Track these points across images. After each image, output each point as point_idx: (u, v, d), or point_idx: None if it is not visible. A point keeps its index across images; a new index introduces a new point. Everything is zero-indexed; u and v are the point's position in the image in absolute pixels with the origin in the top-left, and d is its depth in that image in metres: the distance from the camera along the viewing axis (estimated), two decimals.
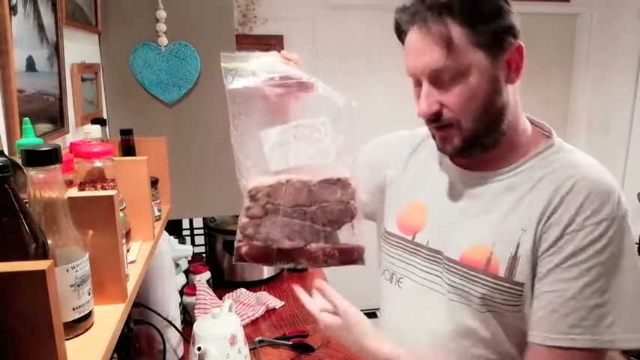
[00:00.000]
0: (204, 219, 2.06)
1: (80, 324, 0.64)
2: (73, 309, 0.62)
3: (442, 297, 0.85)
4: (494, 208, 0.81)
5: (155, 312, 1.29)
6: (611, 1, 3.14)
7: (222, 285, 1.88)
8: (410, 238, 0.92)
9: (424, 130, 0.92)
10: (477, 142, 0.81)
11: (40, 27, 1.02)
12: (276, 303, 1.79)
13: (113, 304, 0.72)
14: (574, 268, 0.73)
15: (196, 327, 1.31)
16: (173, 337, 1.39)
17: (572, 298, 0.73)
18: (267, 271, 1.97)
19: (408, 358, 0.84)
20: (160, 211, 1.14)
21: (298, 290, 0.94)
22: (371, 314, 1.09)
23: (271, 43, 2.88)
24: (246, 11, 2.88)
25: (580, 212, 0.73)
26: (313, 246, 0.79)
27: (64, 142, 1.12)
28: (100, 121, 1.20)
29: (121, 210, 0.78)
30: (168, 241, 1.54)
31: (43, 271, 0.44)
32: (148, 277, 1.25)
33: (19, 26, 0.91)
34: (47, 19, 1.04)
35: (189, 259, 1.88)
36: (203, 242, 2.11)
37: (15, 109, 0.87)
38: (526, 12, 1.96)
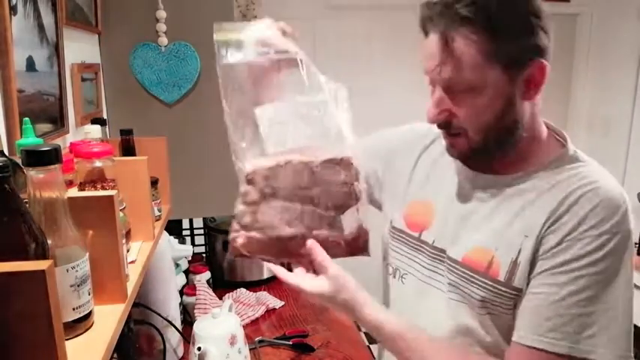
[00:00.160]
0: (204, 219, 2.06)
1: (80, 324, 0.64)
2: (73, 309, 0.62)
3: (443, 295, 0.86)
4: (500, 212, 0.81)
5: (155, 312, 1.29)
6: (611, 1, 3.14)
7: (222, 285, 1.88)
8: (416, 235, 0.91)
9: None
10: (485, 152, 0.80)
11: (40, 27, 1.02)
12: (276, 303, 1.79)
13: (113, 304, 0.72)
14: (564, 274, 0.72)
15: (196, 327, 1.31)
16: (173, 337, 1.39)
17: (556, 302, 0.72)
18: (267, 271, 1.96)
19: (408, 336, 0.81)
20: (160, 211, 1.14)
21: (274, 268, 0.82)
22: None
23: None
24: (246, 11, 2.88)
25: (583, 222, 0.73)
26: (315, 233, 0.75)
27: (64, 142, 1.12)
28: (100, 121, 1.20)
29: (121, 210, 0.78)
30: (168, 241, 1.54)
31: (43, 271, 0.44)
32: (148, 277, 1.25)
33: (19, 26, 0.91)
34: (47, 19, 1.04)
35: (189, 259, 1.88)
36: (203, 242, 2.11)
37: (15, 109, 0.87)
38: None
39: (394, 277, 0.96)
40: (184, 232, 2.08)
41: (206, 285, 1.70)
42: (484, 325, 0.81)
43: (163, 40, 1.54)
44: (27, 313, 0.45)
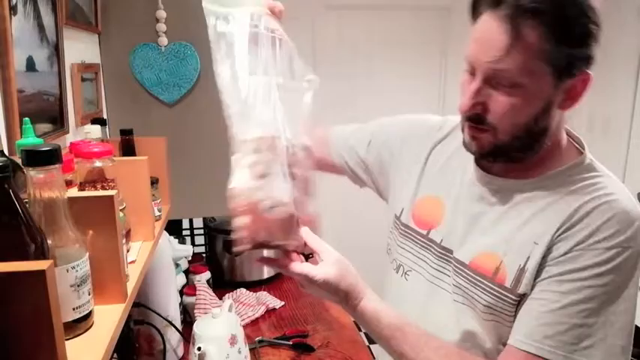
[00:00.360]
0: (204, 219, 2.06)
1: (80, 324, 0.64)
2: (73, 309, 0.62)
3: (448, 296, 0.85)
4: (510, 217, 0.79)
5: (155, 312, 1.29)
6: (611, 1, 3.14)
7: (222, 285, 1.88)
8: (424, 232, 0.90)
9: (455, 120, 0.88)
10: (505, 154, 0.78)
11: (40, 27, 1.02)
12: (276, 303, 1.79)
13: (113, 304, 0.72)
14: (568, 283, 0.72)
15: (196, 327, 1.30)
16: (173, 337, 1.39)
17: (556, 310, 0.71)
18: (267, 271, 1.97)
19: (407, 329, 0.79)
20: (160, 211, 1.14)
21: (277, 262, 0.79)
22: None
23: None
24: None
25: (594, 234, 0.71)
26: (301, 215, 0.73)
27: (64, 142, 1.12)
28: (100, 121, 1.20)
29: (121, 210, 0.78)
30: (168, 241, 1.54)
31: (43, 271, 0.44)
32: (148, 277, 1.25)
33: (19, 26, 0.91)
34: (47, 19, 1.04)
35: (189, 259, 1.88)
36: (203, 242, 2.11)
37: (15, 109, 0.87)
38: None
39: (397, 272, 0.95)
40: (184, 232, 2.08)
41: (206, 285, 1.70)
42: (486, 330, 0.80)
43: (163, 40, 1.54)
44: (27, 313, 0.45)
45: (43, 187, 0.57)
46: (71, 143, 0.92)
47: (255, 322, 1.69)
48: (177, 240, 1.83)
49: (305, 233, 0.77)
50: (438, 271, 0.87)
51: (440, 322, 0.84)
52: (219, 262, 1.95)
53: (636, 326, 0.77)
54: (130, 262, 0.86)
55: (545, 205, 0.77)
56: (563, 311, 0.71)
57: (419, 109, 1.06)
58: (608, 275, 0.70)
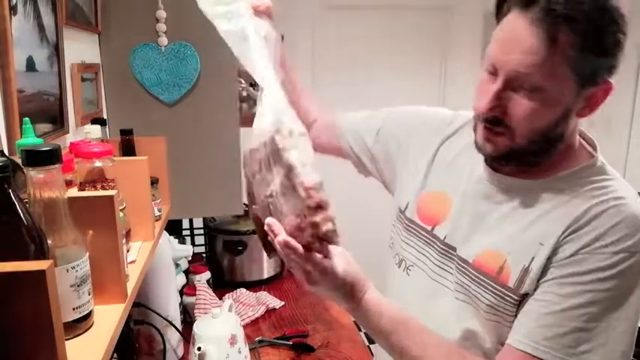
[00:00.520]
0: (204, 219, 2.06)
1: (80, 324, 0.64)
2: (73, 309, 0.62)
3: (450, 293, 0.84)
4: (517, 216, 0.79)
5: (155, 312, 1.29)
6: None
7: (222, 285, 1.88)
8: (429, 228, 0.89)
9: (466, 115, 0.87)
10: (520, 157, 0.77)
11: (40, 27, 1.02)
12: (276, 303, 1.79)
13: (113, 304, 0.72)
14: (570, 286, 0.71)
15: (196, 327, 1.31)
16: (173, 337, 1.39)
17: (557, 312, 0.71)
18: (267, 271, 1.97)
19: (410, 324, 0.78)
20: (160, 211, 1.14)
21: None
22: None
23: None
24: None
25: (601, 238, 0.70)
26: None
27: (64, 142, 1.12)
28: (100, 121, 1.20)
29: (121, 210, 0.78)
30: (168, 241, 1.54)
31: (43, 271, 0.44)
32: (148, 277, 1.25)
33: (19, 26, 0.91)
34: (47, 19, 1.04)
35: (189, 259, 1.88)
36: (203, 242, 2.11)
37: (15, 109, 0.87)
38: None
39: (399, 267, 0.94)
40: (184, 232, 2.08)
41: (206, 285, 1.70)
42: (486, 329, 0.80)
43: (163, 40, 1.54)
44: (27, 313, 0.45)
45: (43, 187, 0.57)
46: (71, 143, 0.92)
47: (255, 322, 1.69)
48: (177, 240, 1.83)
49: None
50: (441, 268, 0.87)
51: (440, 319, 0.84)
52: (219, 262, 1.96)
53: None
54: (130, 262, 0.86)
55: (553, 206, 0.76)
56: (563, 314, 0.70)
57: None
58: (612, 280, 0.69)
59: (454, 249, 0.85)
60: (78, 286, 0.62)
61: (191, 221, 2.12)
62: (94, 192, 0.78)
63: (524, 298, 0.75)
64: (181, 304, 1.59)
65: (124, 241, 0.77)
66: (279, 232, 0.71)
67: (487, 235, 0.81)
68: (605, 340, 0.70)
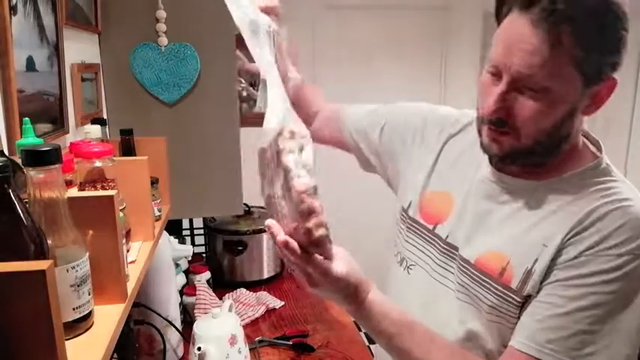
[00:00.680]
0: (204, 219, 2.06)
1: (80, 324, 0.64)
2: (73, 309, 0.62)
3: (452, 293, 0.84)
4: (520, 217, 0.78)
5: (155, 312, 1.29)
6: None
7: (222, 285, 1.88)
8: (430, 227, 0.89)
9: (471, 114, 0.87)
10: (525, 157, 0.77)
11: (40, 27, 1.02)
12: (276, 303, 1.79)
13: (113, 304, 0.72)
14: (575, 288, 0.71)
15: (196, 327, 1.31)
16: (173, 337, 1.39)
17: (561, 315, 0.70)
18: (267, 271, 1.97)
19: (416, 327, 0.77)
20: (160, 211, 1.14)
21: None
22: None
23: None
24: None
25: (605, 240, 0.70)
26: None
27: (64, 142, 1.12)
28: (100, 121, 1.20)
29: (121, 210, 0.78)
30: (168, 241, 1.54)
31: (43, 271, 0.44)
32: (148, 277, 1.25)
33: (19, 26, 0.91)
34: (47, 19, 1.04)
35: (189, 259, 1.88)
36: (203, 242, 2.11)
37: (15, 109, 0.87)
38: None
39: (400, 265, 0.94)
40: (184, 232, 2.08)
41: (206, 285, 1.70)
42: (489, 330, 0.79)
43: (163, 40, 1.54)
44: (27, 313, 0.45)
45: (43, 187, 0.57)
46: (71, 143, 0.92)
47: (255, 322, 1.69)
48: (177, 240, 1.83)
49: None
50: (443, 268, 0.86)
51: (442, 319, 0.83)
52: (219, 262, 1.96)
53: None
54: (130, 262, 0.86)
55: (557, 207, 0.75)
56: (567, 317, 0.70)
57: None
58: (616, 283, 0.69)
59: (456, 249, 0.84)
60: (78, 286, 0.62)
61: (191, 221, 2.12)
62: (94, 192, 0.78)
63: (527, 299, 0.75)
64: (181, 304, 1.59)
65: (124, 241, 0.77)
66: (278, 232, 0.70)
67: (490, 236, 0.80)
68: (610, 342, 0.69)
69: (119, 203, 0.73)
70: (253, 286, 1.91)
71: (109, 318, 0.69)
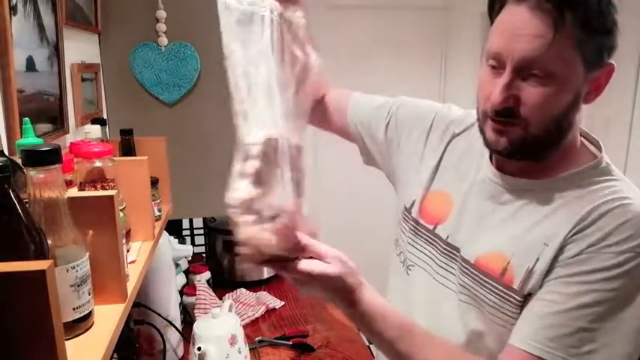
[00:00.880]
0: (204, 219, 2.06)
1: (80, 324, 0.64)
2: (73, 309, 0.62)
3: (454, 295, 0.83)
4: (521, 217, 0.78)
5: (155, 312, 1.29)
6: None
7: (222, 285, 1.88)
8: (431, 227, 0.89)
9: (475, 114, 0.86)
10: (531, 150, 0.76)
11: (40, 27, 1.02)
12: (276, 303, 1.79)
13: (113, 304, 0.72)
14: (576, 285, 0.70)
15: (196, 327, 1.30)
16: (173, 337, 1.39)
17: (562, 312, 0.70)
18: (267, 271, 1.97)
19: (415, 329, 0.76)
20: (160, 211, 1.14)
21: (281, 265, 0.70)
22: None
23: None
24: None
25: (607, 237, 0.70)
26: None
27: (64, 142, 1.12)
28: (100, 121, 1.20)
29: (121, 210, 0.78)
30: (168, 241, 1.54)
31: (43, 271, 0.44)
32: (148, 277, 1.25)
33: (19, 26, 0.91)
34: (47, 19, 1.04)
35: (189, 259, 1.88)
36: (203, 242, 2.11)
37: (15, 109, 0.87)
38: None
39: (403, 265, 0.94)
40: (184, 232, 2.08)
41: (206, 285, 1.70)
42: (492, 331, 0.79)
43: (163, 40, 1.54)
44: (27, 313, 0.45)
45: (43, 187, 0.57)
46: (71, 143, 0.92)
47: (255, 322, 1.69)
48: (177, 240, 1.83)
49: (301, 236, 0.70)
50: (444, 269, 0.86)
51: (445, 321, 0.83)
52: (219, 262, 1.95)
53: None
54: (130, 262, 0.86)
55: (558, 206, 0.75)
56: (568, 314, 0.70)
57: None
58: (618, 280, 0.69)
59: (457, 249, 0.84)
60: (78, 286, 0.62)
61: (191, 221, 2.12)
62: (94, 192, 0.78)
63: (527, 298, 0.75)
64: (181, 304, 1.59)
65: (124, 241, 0.77)
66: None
67: (491, 236, 0.80)
68: (610, 340, 0.69)
69: (119, 203, 0.73)
70: (253, 286, 1.91)
71: (109, 318, 0.69)
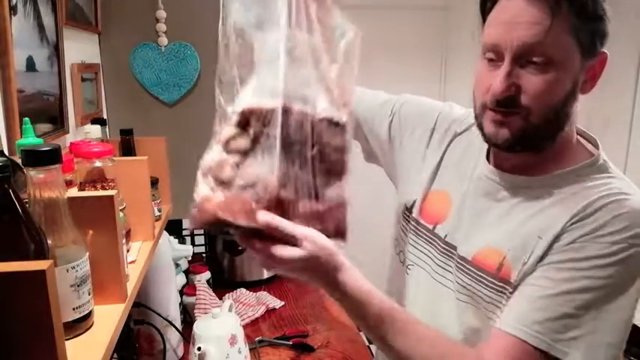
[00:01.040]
0: None
1: (80, 324, 0.64)
2: (73, 309, 0.62)
3: (452, 294, 0.84)
4: (516, 213, 0.78)
5: (155, 312, 1.29)
6: (610, 1, 3.14)
7: (222, 285, 1.87)
8: (430, 227, 0.89)
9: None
10: (531, 141, 0.76)
11: (40, 27, 1.02)
12: (276, 303, 1.79)
13: (113, 304, 0.72)
14: (567, 271, 0.71)
15: (196, 327, 1.30)
16: (173, 337, 1.39)
17: (550, 296, 0.71)
18: (267, 271, 1.96)
19: (398, 315, 0.75)
20: (160, 211, 1.14)
21: (245, 240, 0.68)
22: None
23: None
24: None
25: (602, 228, 0.70)
26: (301, 202, 0.62)
27: (64, 142, 1.12)
28: (100, 121, 1.20)
29: (121, 210, 0.78)
30: (168, 241, 1.54)
31: (43, 271, 0.44)
32: (148, 277, 1.25)
33: (19, 26, 0.91)
34: (47, 19, 1.04)
35: (189, 259, 1.88)
36: (203, 242, 2.11)
37: (15, 109, 0.87)
38: None
39: (403, 264, 0.94)
40: (184, 232, 2.08)
41: (206, 285, 1.70)
42: (487, 327, 0.79)
43: (163, 40, 1.54)
44: (27, 313, 0.45)
45: (43, 187, 0.57)
46: (71, 143, 0.92)
47: (255, 322, 1.69)
48: (177, 240, 1.83)
49: (273, 217, 0.65)
50: (442, 268, 0.86)
51: (444, 320, 0.83)
52: (219, 262, 1.95)
53: (636, 326, 0.76)
54: (130, 262, 0.86)
55: (554, 201, 0.76)
56: (556, 298, 0.70)
57: None
58: (609, 269, 0.69)
59: (455, 248, 0.84)
60: (78, 286, 0.62)
61: None
62: (94, 192, 0.78)
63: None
64: (181, 304, 1.59)
65: (124, 241, 0.77)
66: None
67: (487, 233, 0.81)
68: (594, 328, 0.69)
69: (119, 203, 0.73)
70: (253, 286, 1.91)
71: (109, 318, 0.69)
